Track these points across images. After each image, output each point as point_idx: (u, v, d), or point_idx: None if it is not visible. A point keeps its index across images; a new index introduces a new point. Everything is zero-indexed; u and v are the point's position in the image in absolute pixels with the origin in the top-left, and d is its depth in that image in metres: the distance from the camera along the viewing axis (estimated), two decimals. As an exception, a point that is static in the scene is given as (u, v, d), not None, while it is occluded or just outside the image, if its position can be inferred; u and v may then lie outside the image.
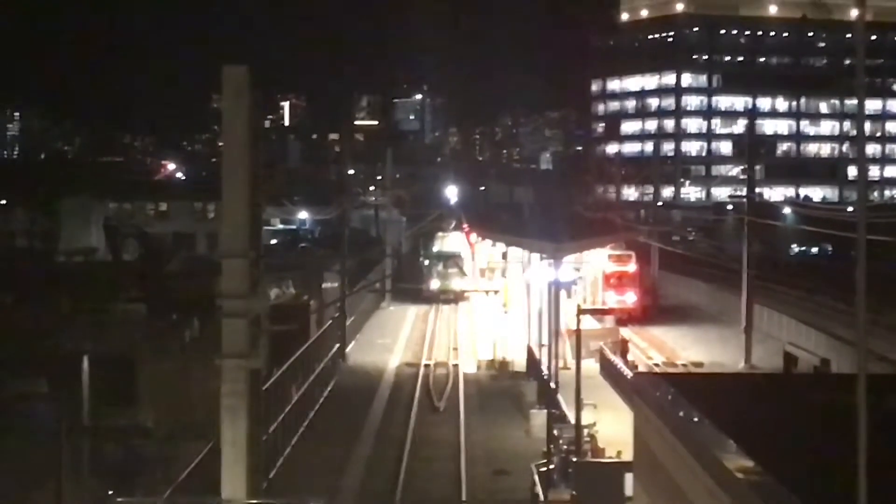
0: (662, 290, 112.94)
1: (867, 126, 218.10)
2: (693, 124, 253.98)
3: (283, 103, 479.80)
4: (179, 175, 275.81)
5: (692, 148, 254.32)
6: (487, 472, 52.40)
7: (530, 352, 74.29)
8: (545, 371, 61.53)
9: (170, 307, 70.77)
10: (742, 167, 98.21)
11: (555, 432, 47.94)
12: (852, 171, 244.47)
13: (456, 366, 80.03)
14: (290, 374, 57.56)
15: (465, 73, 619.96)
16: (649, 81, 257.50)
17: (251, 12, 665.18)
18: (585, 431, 48.30)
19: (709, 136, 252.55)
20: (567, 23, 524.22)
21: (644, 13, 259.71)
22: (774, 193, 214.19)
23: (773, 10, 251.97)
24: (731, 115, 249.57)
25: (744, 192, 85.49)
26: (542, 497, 43.99)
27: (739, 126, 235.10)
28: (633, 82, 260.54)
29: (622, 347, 75.80)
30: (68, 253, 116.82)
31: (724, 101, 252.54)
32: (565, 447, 46.98)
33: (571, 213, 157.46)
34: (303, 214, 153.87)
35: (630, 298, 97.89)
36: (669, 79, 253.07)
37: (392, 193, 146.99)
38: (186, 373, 55.06)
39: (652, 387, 26.18)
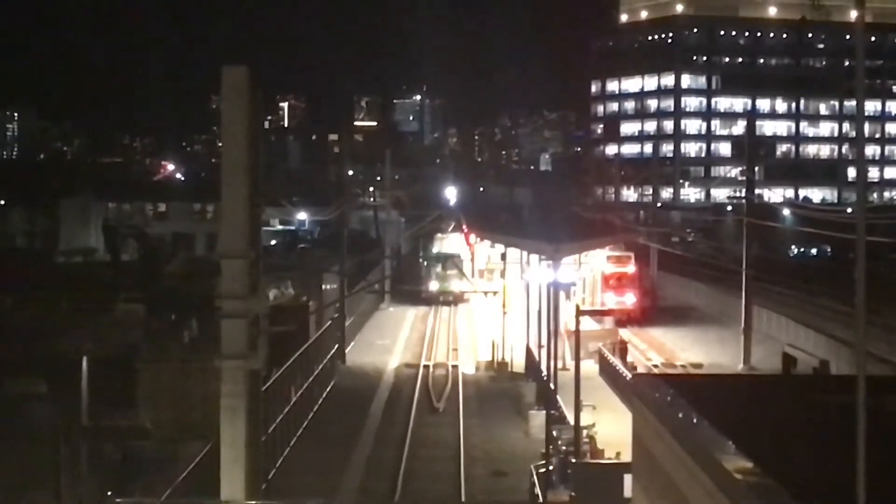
0: (661, 291, 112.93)
1: (866, 127, 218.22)
2: (692, 125, 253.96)
3: (282, 104, 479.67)
4: (179, 176, 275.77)
5: (691, 149, 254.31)
6: (486, 472, 52.39)
7: (529, 353, 74.26)
8: (544, 372, 61.48)
9: (169, 308, 70.85)
10: (741, 168, 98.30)
11: (554, 433, 47.93)
12: (851, 173, 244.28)
13: (455, 367, 80.00)
14: (289, 375, 57.55)
15: (464, 74, 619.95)
16: (648, 82, 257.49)
17: (251, 13, 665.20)
18: (584, 432, 48.31)
19: (708, 137, 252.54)
20: (567, 24, 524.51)
21: (643, 14, 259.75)
22: (774, 195, 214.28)
23: (772, 11, 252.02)
24: (730, 117, 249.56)
25: (743, 193, 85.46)
26: (541, 498, 43.99)
27: (739, 127, 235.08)
28: (633, 83, 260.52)
29: (621, 348, 75.75)
30: (68, 253, 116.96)
31: (723, 103, 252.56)
32: (564, 448, 46.98)
33: (570, 214, 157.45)
34: (302, 215, 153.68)
35: (629, 299, 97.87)
36: (669, 80, 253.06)
37: (391, 194, 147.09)
38: (185, 373, 55.06)
39: (651, 388, 26.17)
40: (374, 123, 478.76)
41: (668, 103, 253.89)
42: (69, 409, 45.95)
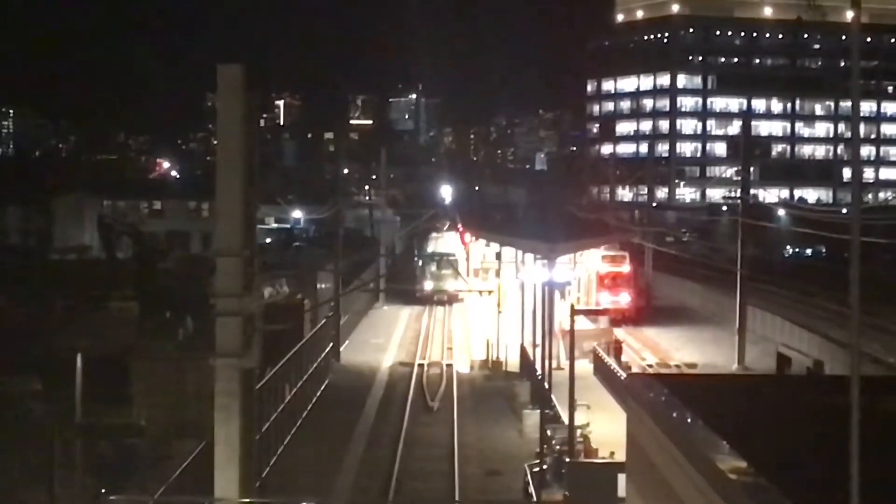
0: (656, 290, 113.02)
1: (862, 128, 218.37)
2: (688, 125, 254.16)
3: (277, 102, 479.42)
4: (174, 173, 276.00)
5: (687, 149, 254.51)
6: (480, 472, 52.40)
7: (524, 352, 74.29)
8: (539, 371, 61.51)
9: (164, 305, 70.75)
10: (736, 168, 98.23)
11: (548, 432, 47.97)
12: (847, 173, 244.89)
13: (450, 365, 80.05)
14: (283, 374, 57.52)
15: (460, 73, 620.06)
16: (644, 82, 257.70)
17: (246, 11, 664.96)
18: (579, 432, 48.33)
19: (703, 137, 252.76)
20: (562, 23, 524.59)
21: (639, 14, 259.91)
22: (769, 195, 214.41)
23: (768, 11, 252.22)
24: (725, 117, 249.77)
25: (738, 193, 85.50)
26: (535, 497, 44.01)
27: (734, 127, 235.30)
28: (628, 83, 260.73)
29: (616, 348, 75.75)
30: (62, 251, 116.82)
31: (718, 103, 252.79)
32: (558, 447, 47.03)
33: (566, 213, 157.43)
34: (297, 213, 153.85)
35: (624, 299, 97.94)
36: (664, 80, 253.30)
37: (386, 193, 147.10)
38: (180, 371, 55.00)
39: (645, 388, 26.17)
40: (370, 122, 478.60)
41: (664, 103, 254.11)
42: (63, 407, 45.84)
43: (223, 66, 31.91)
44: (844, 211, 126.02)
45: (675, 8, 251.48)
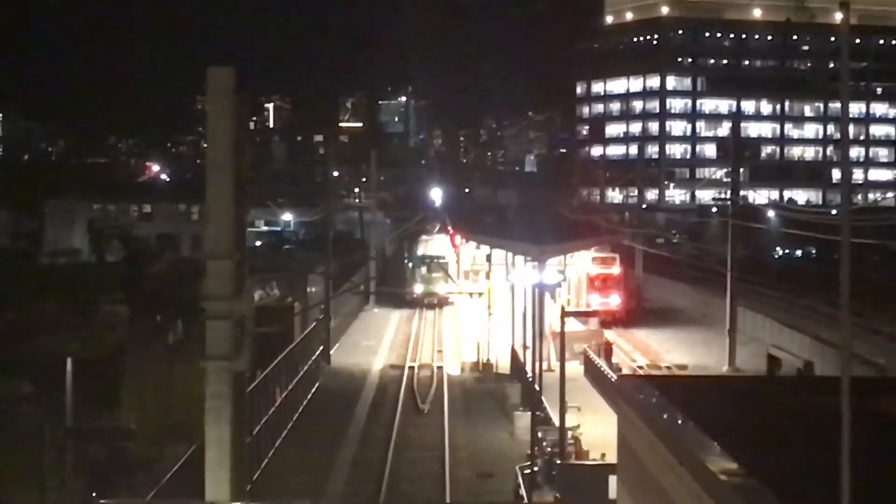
0: (646, 292, 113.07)
1: (851, 129, 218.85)
2: (677, 127, 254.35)
3: (267, 105, 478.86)
4: (164, 176, 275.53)
5: (676, 151, 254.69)
6: (472, 474, 52.41)
7: (514, 354, 74.28)
8: (529, 373, 61.51)
9: (154, 309, 70.70)
10: (726, 170, 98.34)
11: (539, 434, 47.98)
12: (836, 174, 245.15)
13: (440, 368, 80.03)
14: (274, 376, 57.49)
15: (449, 76, 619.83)
16: (634, 84, 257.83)
17: (235, 13, 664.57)
18: (569, 434, 48.32)
19: (693, 138, 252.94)
20: (552, 25, 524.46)
21: (629, 16, 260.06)
22: (759, 196, 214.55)
23: (757, 13, 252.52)
24: (715, 118, 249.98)
25: (728, 194, 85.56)
26: (526, 499, 44.03)
27: (724, 129, 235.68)
28: (618, 85, 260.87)
29: (606, 350, 75.79)
30: (52, 254, 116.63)
31: (708, 104, 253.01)
32: (549, 449, 47.02)
33: (556, 215, 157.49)
34: (287, 216, 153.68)
35: (614, 301, 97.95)
36: (654, 81, 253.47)
37: (376, 195, 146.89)
38: (170, 374, 54.96)
39: (636, 389, 26.20)
40: (360, 124, 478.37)
41: (654, 105, 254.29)
42: (53, 410, 45.85)
43: (213, 68, 31.88)
44: (834, 212, 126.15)
45: (665, 10, 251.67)
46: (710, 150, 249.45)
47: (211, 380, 31.80)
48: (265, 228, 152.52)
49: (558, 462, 43.77)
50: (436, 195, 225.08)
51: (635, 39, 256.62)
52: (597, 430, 50.70)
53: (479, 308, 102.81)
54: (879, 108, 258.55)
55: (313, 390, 71.08)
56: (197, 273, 51.61)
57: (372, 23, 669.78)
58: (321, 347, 79.46)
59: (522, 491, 45.02)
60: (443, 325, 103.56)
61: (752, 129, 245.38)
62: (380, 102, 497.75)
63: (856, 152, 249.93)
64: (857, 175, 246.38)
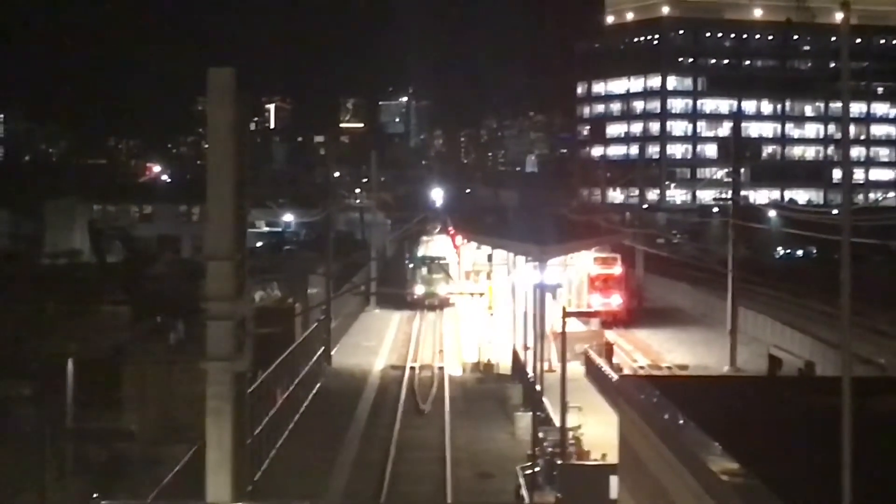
0: (647, 292, 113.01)
1: (852, 129, 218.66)
2: (678, 127, 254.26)
3: (268, 106, 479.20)
4: (164, 177, 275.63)
5: (677, 151, 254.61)
6: (472, 474, 52.36)
7: (515, 354, 74.23)
8: (530, 374, 61.49)
9: (154, 310, 70.67)
10: (727, 170, 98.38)
11: (540, 435, 47.95)
12: (837, 174, 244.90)
13: (441, 368, 79.94)
14: (275, 377, 57.47)
15: (450, 76, 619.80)
16: (634, 84, 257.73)
17: (236, 15, 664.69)
18: (570, 434, 48.30)
19: (694, 138, 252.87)
20: (552, 25, 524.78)
21: (629, 16, 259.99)
22: (759, 196, 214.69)
23: (757, 13, 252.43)
24: (716, 118, 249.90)
25: (729, 194, 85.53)
26: (527, 499, 43.97)
27: (724, 129, 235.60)
28: (619, 85, 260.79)
29: (607, 350, 75.77)
30: (53, 255, 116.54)
31: (709, 104, 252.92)
32: (550, 450, 46.99)
33: (556, 215, 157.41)
34: (288, 217, 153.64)
35: (615, 301, 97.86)
36: (655, 82, 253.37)
37: (377, 196, 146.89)
38: (171, 375, 54.97)
39: (637, 389, 26.19)
40: (360, 125, 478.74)
41: (654, 105, 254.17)
42: (54, 412, 45.85)
43: (214, 69, 31.92)
44: (835, 212, 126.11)
45: (665, 10, 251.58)
46: (710, 150, 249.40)
47: (212, 380, 31.84)
48: (266, 229, 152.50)
49: (559, 462, 43.76)
50: (436, 196, 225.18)
51: (636, 39, 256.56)
52: (598, 430, 50.72)
53: (480, 308, 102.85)
54: (880, 108, 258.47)
55: (314, 391, 71.03)
56: (198, 274, 51.63)
57: (372, 23, 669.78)
58: (322, 348, 79.42)
59: (523, 491, 44.98)
60: (444, 325, 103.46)
61: (753, 129, 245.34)
62: (380, 103, 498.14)
63: (856, 152, 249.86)
64: (858, 175, 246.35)
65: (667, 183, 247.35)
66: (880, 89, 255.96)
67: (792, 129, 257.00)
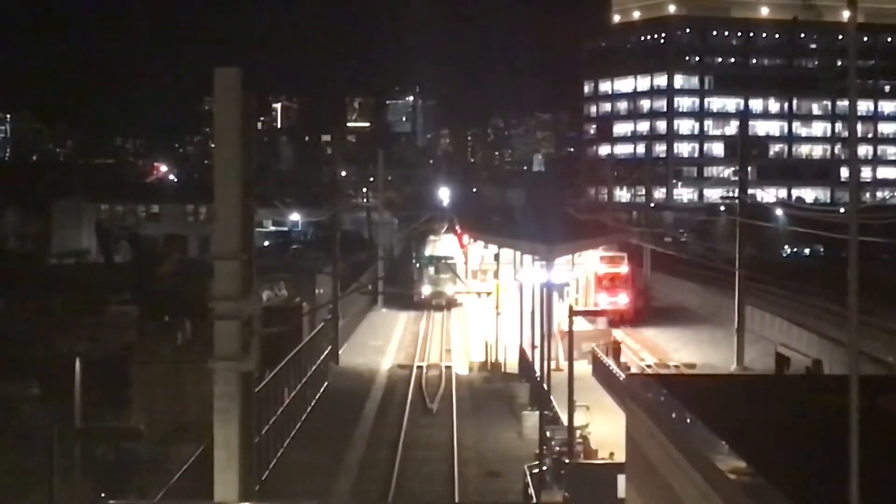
0: (654, 291, 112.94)
1: (859, 127, 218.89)
2: (685, 126, 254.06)
3: (275, 105, 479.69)
4: (171, 177, 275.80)
5: (684, 149, 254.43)
6: (480, 473, 52.36)
7: (523, 353, 74.25)
8: (538, 373, 61.49)
9: (162, 309, 70.74)
10: (734, 168, 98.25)
11: (547, 434, 47.93)
12: (844, 173, 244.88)
13: (448, 367, 79.97)
14: (282, 377, 57.48)
15: (457, 75, 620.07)
16: (641, 83, 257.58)
17: (243, 14, 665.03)
18: (578, 433, 48.28)
19: (701, 137, 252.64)
20: (559, 24, 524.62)
21: (636, 15, 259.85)
22: (766, 195, 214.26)
23: (764, 11, 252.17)
24: (722, 117, 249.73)
25: (735, 193, 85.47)
26: (534, 499, 43.97)
27: (731, 127, 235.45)
28: (625, 84, 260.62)
29: (614, 349, 75.74)
30: (60, 255, 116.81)
31: (715, 103, 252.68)
32: (558, 449, 46.99)
33: (563, 214, 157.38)
34: (295, 216, 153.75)
35: (622, 300, 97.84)
36: (661, 80, 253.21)
37: (384, 195, 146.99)
38: (178, 375, 55.00)
39: (644, 388, 26.16)
40: (367, 124, 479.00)
41: (661, 103, 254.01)
42: (62, 411, 45.84)
43: (220, 69, 31.91)
44: (842, 210, 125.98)
45: (672, 8, 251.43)
46: (717, 149, 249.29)
47: (219, 380, 31.83)
48: (273, 228, 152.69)
49: (567, 461, 43.74)
50: (443, 195, 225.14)
51: (642, 38, 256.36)
52: (605, 429, 50.71)
53: (487, 307, 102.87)
54: (887, 106, 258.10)
55: (321, 390, 71.04)
56: (205, 273, 51.67)
57: (379, 23, 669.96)
58: (329, 348, 79.44)
59: (531, 490, 44.98)
60: (451, 324, 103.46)
61: (760, 128, 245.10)
62: (387, 102, 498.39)
63: (864, 150, 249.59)
64: (866, 173, 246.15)
65: (674, 181, 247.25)
66: (887, 87, 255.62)
67: (799, 128, 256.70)
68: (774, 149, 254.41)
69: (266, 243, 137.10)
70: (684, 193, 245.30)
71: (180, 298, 72.64)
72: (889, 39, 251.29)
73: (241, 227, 31.90)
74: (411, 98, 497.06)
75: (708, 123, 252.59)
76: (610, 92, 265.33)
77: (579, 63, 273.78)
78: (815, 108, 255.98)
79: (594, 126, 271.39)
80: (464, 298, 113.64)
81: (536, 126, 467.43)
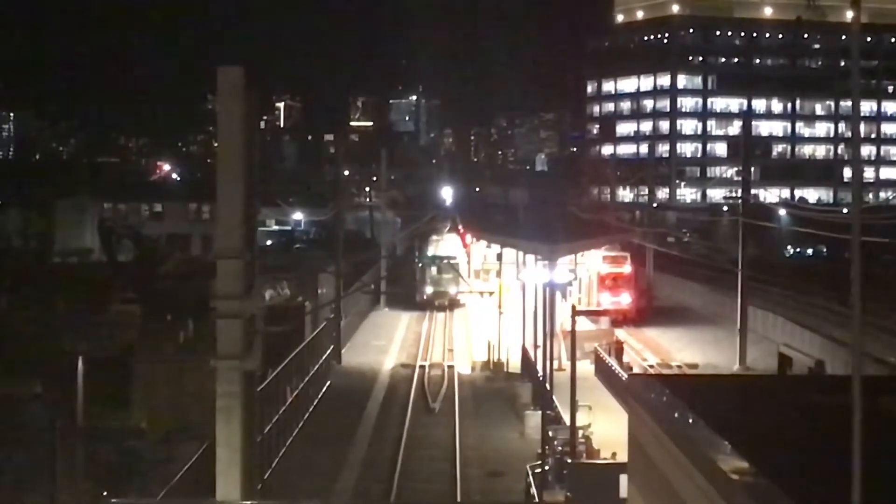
0: (657, 291, 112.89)
1: (862, 128, 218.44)
2: (688, 126, 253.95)
3: (278, 104, 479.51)
4: (174, 176, 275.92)
5: (687, 149, 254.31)
6: (482, 473, 52.39)
7: (525, 353, 74.23)
8: (540, 372, 61.47)
9: (164, 308, 70.79)
10: (737, 168, 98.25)
11: (549, 433, 47.93)
12: (847, 173, 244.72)
13: (451, 367, 79.96)
14: (284, 376, 57.51)
15: (460, 75, 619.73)
16: (644, 83, 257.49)
17: (246, 13, 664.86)
18: (580, 433, 48.29)
19: (704, 137, 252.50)
20: (562, 24, 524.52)
21: (639, 15, 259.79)
22: (769, 195, 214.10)
23: (767, 11, 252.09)
24: (726, 117, 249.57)
25: (739, 193, 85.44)
26: (536, 498, 43.97)
27: (734, 127, 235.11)
28: (629, 84, 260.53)
29: (617, 349, 75.71)
30: (63, 254, 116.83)
31: (719, 103, 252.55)
32: (560, 448, 46.99)
33: (566, 214, 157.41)
34: (298, 215, 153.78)
35: (625, 300, 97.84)
36: (665, 80, 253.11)
37: (387, 195, 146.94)
38: (181, 374, 55.04)
39: (647, 388, 26.17)
40: (370, 124, 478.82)
41: (664, 103, 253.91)
42: (64, 410, 45.88)
43: (224, 68, 31.91)
44: (845, 211, 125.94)
45: (675, 8, 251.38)
46: (720, 149, 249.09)
47: (222, 379, 31.84)
48: (276, 228, 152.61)
49: (569, 461, 43.74)
50: (446, 194, 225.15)
51: (646, 38, 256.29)
52: (607, 428, 50.69)
53: (489, 307, 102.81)
54: (890, 107, 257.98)
55: (324, 389, 71.07)
56: (208, 272, 51.70)
57: (382, 22, 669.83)
58: (332, 347, 79.47)
59: (533, 490, 44.99)
60: (453, 324, 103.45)
61: (763, 128, 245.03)
62: (390, 101, 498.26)
63: (867, 150, 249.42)
64: (868, 173, 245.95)
65: (677, 182, 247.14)
66: (891, 88, 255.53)
67: (802, 128, 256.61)
68: (777, 149, 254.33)
69: (269, 242, 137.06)
70: (687, 193, 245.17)
71: (183, 297, 72.70)
72: (893, 40, 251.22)
73: (244, 227, 31.91)
74: (414, 97, 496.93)
75: (711, 123, 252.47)
76: (613, 91, 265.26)
77: (583, 63, 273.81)
78: (819, 109, 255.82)
79: (597, 126, 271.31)
80: (466, 298, 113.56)
81: (539, 125, 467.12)
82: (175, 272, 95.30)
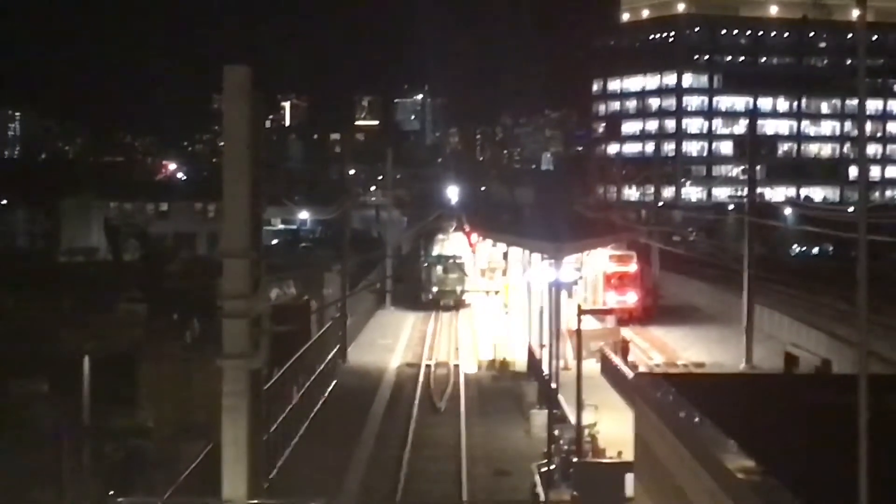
0: (663, 290, 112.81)
1: (868, 126, 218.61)
2: (694, 124, 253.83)
3: (284, 103, 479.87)
4: (180, 175, 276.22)
5: (693, 148, 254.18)
6: (488, 472, 52.37)
7: (531, 352, 74.23)
8: (546, 371, 61.49)
9: (171, 307, 70.88)
10: (743, 167, 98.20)
11: (555, 433, 47.93)
12: (853, 172, 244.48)
13: (457, 366, 79.95)
14: (290, 375, 57.51)
15: (465, 74, 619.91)
16: (650, 82, 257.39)
17: (252, 12, 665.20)
18: (586, 432, 48.29)
19: (710, 136, 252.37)
20: (568, 23, 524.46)
21: (645, 13, 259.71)
22: (775, 194, 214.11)
23: (773, 10, 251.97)
24: (732, 116, 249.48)
25: (744, 192, 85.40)
26: (542, 497, 43.98)
27: (740, 126, 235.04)
28: (634, 82, 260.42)
29: (623, 348, 75.67)
30: (69, 253, 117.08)
31: (725, 102, 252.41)
32: (566, 447, 46.98)
33: (572, 213, 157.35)
34: (303, 214, 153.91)
35: (631, 299, 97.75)
36: (670, 79, 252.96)
37: (393, 194, 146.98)
38: (187, 373, 55.07)
39: (653, 387, 26.16)
40: (376, 123, 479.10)
41: (670, 102, 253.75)
42: (71, 409, 45.97)
43: (229, 67, 31.86)
44: (851, 209, 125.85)
45: (681, 7, 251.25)
46: (726, 148, 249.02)
47: (228, 378, 31.81)
48: (282, 227, 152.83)
49: (575, 460, 43.77)
50: (452, 193, 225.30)
51: (651, 37, 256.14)
52: (613, 427, 50.68)
53: (495, 306, 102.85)
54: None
55: (330, 388, 71.08)
56: (213, 271, 51.74)
57: (388, 21, 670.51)
58: (338, 346, 79.49)
59: (539, 489, 44.99)
60: (459, 323, 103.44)
61: (769, 127, 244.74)
62: (396, 101, 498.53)
63: (873, 149, 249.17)
64: (874, 172, 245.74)
65: (682, 180, 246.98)
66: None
67: (808, 127, 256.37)
68: (783, 148, 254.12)
69: (275, 241, 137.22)
70: (693, 192, 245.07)
71: (189, 296, 72.80)
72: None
73: (250, 225, 31.88)
74: (420, 96, 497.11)
75: (717, 122, 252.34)
76: (619, 90, 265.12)
77: (588, 61, 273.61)
78: (825, 107, 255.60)
79: (603, 124, 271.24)
80: (472, 297, 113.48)
81: (545, 124, 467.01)
82: (181, 271, 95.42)
